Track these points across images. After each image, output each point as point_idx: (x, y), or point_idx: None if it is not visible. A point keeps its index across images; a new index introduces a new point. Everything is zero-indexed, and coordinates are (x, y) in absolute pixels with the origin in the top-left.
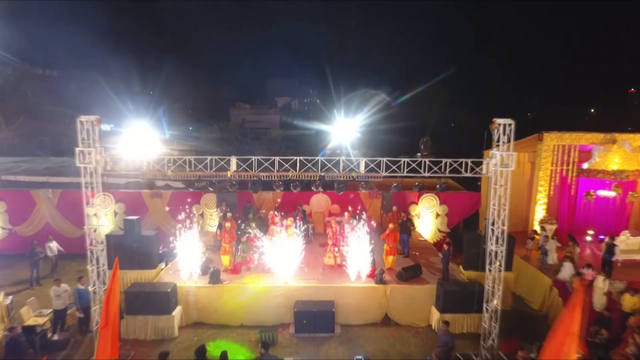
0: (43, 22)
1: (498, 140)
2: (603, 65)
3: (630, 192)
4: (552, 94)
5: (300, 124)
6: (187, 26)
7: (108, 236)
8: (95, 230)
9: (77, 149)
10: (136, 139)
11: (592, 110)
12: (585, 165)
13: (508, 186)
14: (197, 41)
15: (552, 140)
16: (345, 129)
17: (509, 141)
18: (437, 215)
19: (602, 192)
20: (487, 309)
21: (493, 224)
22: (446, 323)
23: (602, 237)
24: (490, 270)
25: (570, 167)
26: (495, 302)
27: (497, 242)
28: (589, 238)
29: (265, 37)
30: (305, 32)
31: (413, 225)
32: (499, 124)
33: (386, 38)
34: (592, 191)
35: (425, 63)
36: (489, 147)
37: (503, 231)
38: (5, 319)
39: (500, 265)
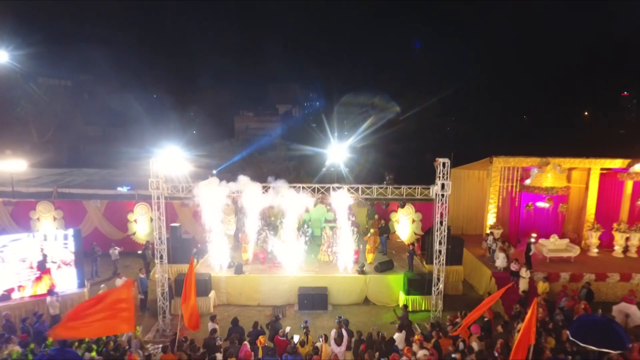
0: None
1: (440, 173)
2: (597, 68)
3: (560, 204)
4: (547, 97)
5: (300, 146)
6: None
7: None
8: (134, 233)
9: (150, 179)
10: (172, 162)
11: (586, 113)
12: (526, 182)
13: (447, 204)
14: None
15: (500, 163)
16: (338, 150)
17: (448, 172)
18: (413, 221)
19: (539, 204)
20: (434, 291)
21: (437, 230)
22: (405, 307)
23: (543, 239)
24: (436, 263)
25: (515, 183)
26: (440, 286)
27: (440, 243)
28: (532, 240)
29: (266, 41)
30: (305, 40)
31: (389, 230)
32: (440, 162)
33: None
34: (530, 203)
35: (421, 78)
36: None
37: (444, 235)
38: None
39: (442, 259)
